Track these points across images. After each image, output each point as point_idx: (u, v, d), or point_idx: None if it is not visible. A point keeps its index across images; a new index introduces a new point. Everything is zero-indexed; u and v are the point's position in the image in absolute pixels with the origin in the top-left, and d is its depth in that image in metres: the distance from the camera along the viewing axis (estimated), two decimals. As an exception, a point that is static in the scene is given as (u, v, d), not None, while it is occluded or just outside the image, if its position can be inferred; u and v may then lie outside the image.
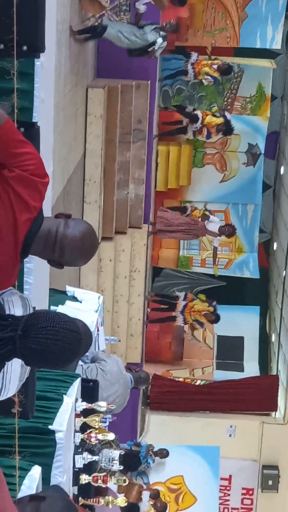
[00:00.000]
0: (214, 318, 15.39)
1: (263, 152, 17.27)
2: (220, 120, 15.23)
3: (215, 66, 15.13)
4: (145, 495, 12.93)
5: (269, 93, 17.09)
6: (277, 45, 16.33)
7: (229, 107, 16.96)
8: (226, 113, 15.46)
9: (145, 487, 13.19)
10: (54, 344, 3.03)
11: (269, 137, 17.38)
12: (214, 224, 15.09)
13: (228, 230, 15.15)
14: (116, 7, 11.11)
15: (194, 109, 15.59)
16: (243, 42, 16.29)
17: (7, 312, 3.23)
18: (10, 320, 3.08)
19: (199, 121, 15.10)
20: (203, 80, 15.28)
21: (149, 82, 13.47)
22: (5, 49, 4.37)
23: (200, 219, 15.20)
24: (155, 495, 13.06)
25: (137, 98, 13.20)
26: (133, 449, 13.35)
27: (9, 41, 4.34)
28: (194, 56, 15.26)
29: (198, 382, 16.57)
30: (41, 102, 4.70)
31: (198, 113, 15.29)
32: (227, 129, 15.25)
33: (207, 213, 15.24)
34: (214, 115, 15.22)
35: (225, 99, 17.01)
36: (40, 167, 3.26)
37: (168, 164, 16.51)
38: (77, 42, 10.51)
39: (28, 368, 3.37)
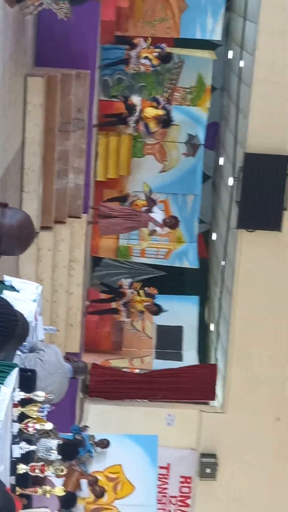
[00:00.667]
0: (156, 310, 15.46)
1: (202, 142, 17.36)
2: (160, 111, 15.24)
3: (156, 54, 15.15)
4: (84, 483, 12.98)
5: (209, 84, 17.17)
6: (217, 36, 16.41)
7: (169, 97, 17.00)
8: (167, 106, 15.49)
9: (84, 475, 13.24)
10: None
11: (209, 128, 17.47)
12: (157, 215, 15.14)
13: (171, 222, 15.22)
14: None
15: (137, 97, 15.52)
16: (183, 32, 16.34)
17: None
18: None
19: (136, 114, 15.07)
20: (141, 66, 15.27)
21: (88, 71, 13.43)
22: None
23: (143, 209, 15.23)
24: (93, 481, 13.13)
25: (77, 87, 13.15)
26: (76, 437, 13.38)
27: None
28: (142, 43, 15.17)
29: (137, 371, 16.63)
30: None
31: (137, 100, 15.16)
32: (166, 120, 15.28)
33: (153, 197, 15.23)
34: (154, 107, 15.21)
35: (165, 89, 17.05)
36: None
37: (108, 154, 16.50)
38: (16, 30, 10.44)
39: None
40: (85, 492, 12.98)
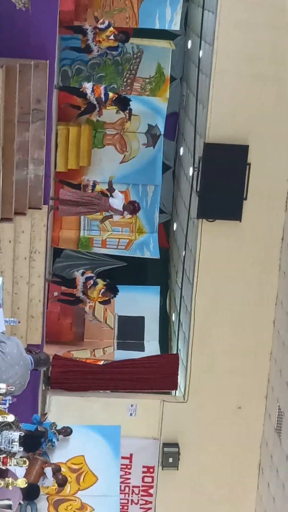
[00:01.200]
0: (112, 291, 15.38)
1: (162, 133, 17.38)
2: (114, 95, 15.25)
3: (112, 37, 15.10)
4: (48, 471, 12.98)
5: (168, 74, 17.19)
6: (176, 26, 16.40)
7: (128, 88, 17.00)
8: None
9: (48, 463, 13.24)
10: None
11: (169, 118, 17.50)
12: (117, 201, 15.14)
13: (129, 209, 15.24)
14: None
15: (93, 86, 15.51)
16: (142, 23, 16.31)
17: None
18: None
19: (92, 94, 15.04)
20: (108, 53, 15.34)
21: (47, 61, 13.38)
22: None
23: (101, 195, 15.26)
24: (56, 469, 13.14)
25: (36, 77, 13.09)
26: (39, 429, 13.36)
27: None
28: (90, 30, 15.15)
29: (100, 363, 16.63)
30: None
31: (88, 85, 15.13)
32: (123, 102, 15.28)
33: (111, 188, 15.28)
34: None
35: (125, 79, 17.03)
36: None
37: (68, 144, 16.45)
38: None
39: None
40: (50, 480, 12.98)
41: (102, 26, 14.98)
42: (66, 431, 14.13)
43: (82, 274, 15.43)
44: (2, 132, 12.11)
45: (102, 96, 15.04)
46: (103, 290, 15.26)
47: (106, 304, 15.98)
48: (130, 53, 16.70)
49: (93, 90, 15.03)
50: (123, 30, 15.41)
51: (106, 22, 15.02)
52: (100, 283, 15.28)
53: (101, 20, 15.06)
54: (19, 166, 12.98)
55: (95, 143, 17.17)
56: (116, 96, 15.29)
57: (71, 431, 14.17)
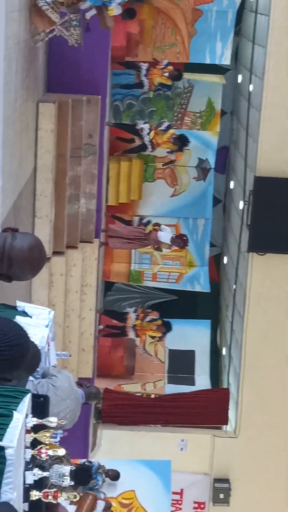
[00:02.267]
0: (165, 328, 15.44)
1: (213, 166, 17.41)
2: (171, 131, 15.36)
3: (166, 74, 15.29)
4: (100, 504, 12.90)
5: (219, 108, 17.24)
6: (226, 60, 16.49)
7: (179, 122, 17.08)
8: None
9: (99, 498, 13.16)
10: (4, 361, 3.03)
11: (219, 152, 17.53)
12: (166, 234, 15.17)
13: (177, 242, 15.25)
14: (66, 22, 11.13)
15: (146, 122, 15.64)
16: (193, 57, 16.43)
17: None
18: None
19: (146, 135, 15.21)
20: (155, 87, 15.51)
21: (99, 97, 13.51)
22: None
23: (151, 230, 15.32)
24: (107, 506, 13.06)
25: (88, 112, 13.22)
26: (85, 463, 13.31)
27: None
28: (144, 67, 15.37)
29: (150, 396, 16.59)
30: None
31: (145, 126, 15.33)
32: (182, 141, 15.39)
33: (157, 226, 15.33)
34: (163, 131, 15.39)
35: (175, 114, 17.13)
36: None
37: (119, 178, 16.56)
38: (28, 57, 10.52)
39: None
40: None
41: (162, 65, 15.24)
42: (114, 474, 13.91)
43: (135, 311, 15.49)
44: (55, 167, 12.23)
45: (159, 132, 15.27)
46: (156, 326, 15.30)
47: (160, 340, 16.01)
48: (180, 88, 16.80)
49: (149, 132, 15.18)
50: (177, 68, 15.56)
51: (166, 61, 15.28)
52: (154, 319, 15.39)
53: (161, 61, 15.32)
54: (71, 200, 13.08)
55: (146, 177, 17.26)
56: (176, 135, 15.35)
57: (119, 475, 13.95)
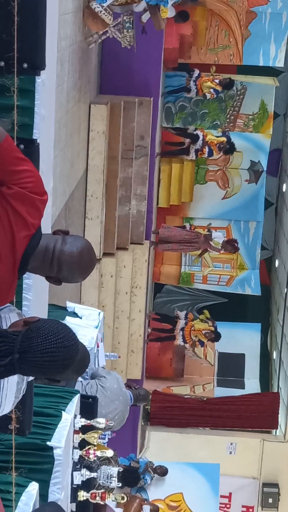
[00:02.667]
0: (215, 337, 15.40)
1: (265, 169, 17.32)
2: (222, 138, 15.34)
3: (217, 81, 15.26)
4: (146, 509, 12.88)
5: (272, 110, 17.14)
6: (280, 63, 16.40)
7: (231, 124, 17.02)
8: (227, 133, 15.60)
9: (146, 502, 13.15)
10: (53, 362, 3.04)
11: (272, 155, 17.43)
12: (217, 239, 15.13)
13: (229, 247, 15.19)
14: (119, 24, 11.16)
15: (196, 129, 15.66)
16: (246, 59, 16.35)
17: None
18: (4, 338, 3.05)
19: (200, 140, 15.21)
20: (207, 94, 15.40)
21: (151, 98, 13.51)
22: (5, 66, 4.39)
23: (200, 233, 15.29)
24: (154, 510, 13.02)
25: (140, 114, 13.23)
26: (132, 465, 13.30)
27: (9, 59, 4.36)
28: (196, 72, 15.39)
29: (199, 399, 16.53)
30: (42, 119, 4.72)
31: (199, 132, 15.40)
32: (229, 147, 15.37)
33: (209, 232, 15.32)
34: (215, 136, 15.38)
35: (228, 116, 17.06)
36: (39, 185, 3.26)
37: (170, 180, 16.55)
38: (81, 58, 10.56)
39: (25, 385, 3.37)
40: None
41: (217, 81, 15.25)
42: (162, 470, 13.96)
43: (185, 316, 15.47)
44: (106, 168, 12.26)
45: (207, 152, 15.25)
46: (207, 331, 15.26)
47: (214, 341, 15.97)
48: (233, 90, 16.73)
49: (203, 140, 15.20)
50: (230, 80, 15.48)
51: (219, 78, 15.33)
52: (202, 324, 15.34)
53: (217, 78, 15.31)
54: (122, 202, 13.10)
55: (197, 179, 17.22)
56: (226, 141, 15.32)
57: (166, 470, 13.99)
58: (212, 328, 15.28)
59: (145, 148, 13.51)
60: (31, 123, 4.64)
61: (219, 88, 15.42)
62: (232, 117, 17.12)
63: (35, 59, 4.47)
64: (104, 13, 10.36)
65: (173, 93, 16.32)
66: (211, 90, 15.29)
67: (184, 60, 15.93)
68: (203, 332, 15.23)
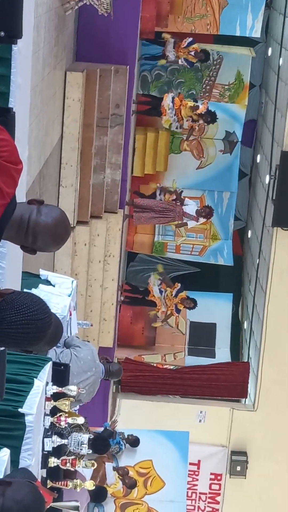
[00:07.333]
0: (193, 305, 15.51)
1: (240, 140, 17.33)
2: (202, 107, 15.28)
3: (193, 53, 15.19)
4: (108, 466, 12.91)
5: (248, 81, 17.14)
6: (256, 33, 16.36)
7: (207, 94, 16.99)
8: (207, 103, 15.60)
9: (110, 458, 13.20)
10: (26, 334, 3.07)
11: (247, 125, 17.44)
12: (191, 207, 15.15)
13: (205, 212, 15.19)
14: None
15: (173, 98, 15.58)
16: (223, 29, 16.31)
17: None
18: None
19: (172, 110, 15.11)
20: (179, 61, 15.39)
21: (127, 67, 13.46)
22: (-18, 34, 4.38)
23: (175, 202, 15.27)
24: (124, 473, 13.12)
25: (116, 82, 13.18)
26: (107, 429, 13.36)
27: (-14, 27, 4.34)
28: (170, 43, 15.28)
29: (170, 367, 16.65)
30: (18, 87, 4.70)
31: (169, 97, 15.22)
32: (211, 118, 15.33)
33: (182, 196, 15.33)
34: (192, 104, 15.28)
35: (204, 86, 17.03)
36: (14, 154, 3.27)
37: (145, 149, 16.52)
38: (57, 25, 10.49)
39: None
40: (111, 477, 12.91)
41: (185, 45, 15.13)
42: (133, 440, 13.98)
43: (159, 284, 15.52)
44: (81, 136, 12.23)
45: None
46: (183, 298, 15.35)
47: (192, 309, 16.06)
48: (210, 60, 16.69)
49: (173, 102, 15.11)
50: (205, 50, 15.43)
51: (190, 39, 15.15)
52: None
53: (184, 40, 15.19)
54: (96, 170, 13.08)
55: (172, 148, 17.21)
56: (206, 110, 15.26)
57: (138, 441, 14.00)
58: (184, 294, 15.40)
59: (121, 116, 13.47)
60: (7, 91, 4.62)
61: (194, 61, 15.37)
62: (208, 87, 17.10)
63: (12, 27, 4.45)
64: (81, -20, 10.29)
65: (151, 60, 16.24)
66: (184, 62, 15.28)
67: (161, 28, 15.86)
68: (180, 299, 15.37)
